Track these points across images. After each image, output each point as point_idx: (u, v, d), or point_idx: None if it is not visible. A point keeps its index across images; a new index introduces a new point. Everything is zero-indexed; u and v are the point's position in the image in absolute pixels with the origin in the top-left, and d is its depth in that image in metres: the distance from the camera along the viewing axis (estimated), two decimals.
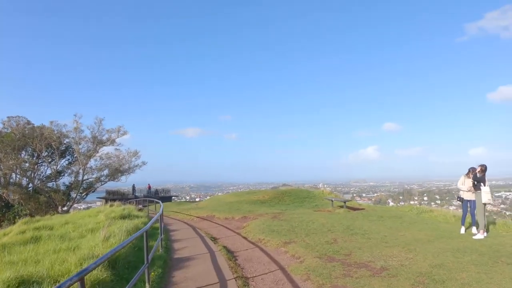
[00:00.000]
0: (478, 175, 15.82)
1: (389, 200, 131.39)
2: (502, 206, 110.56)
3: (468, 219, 17.02)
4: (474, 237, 14.98)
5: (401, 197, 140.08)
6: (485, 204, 15.50)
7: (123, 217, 21.50)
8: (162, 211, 16.97)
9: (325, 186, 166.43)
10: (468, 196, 16.50)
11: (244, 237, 17.75)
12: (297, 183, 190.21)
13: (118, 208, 27.08)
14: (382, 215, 22.43)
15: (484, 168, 15.77)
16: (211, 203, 39.30)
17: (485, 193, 15.45)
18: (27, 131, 51.06)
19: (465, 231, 16.50)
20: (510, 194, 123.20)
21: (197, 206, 38.31)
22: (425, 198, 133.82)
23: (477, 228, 15.91)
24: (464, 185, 16.63)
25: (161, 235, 14.57)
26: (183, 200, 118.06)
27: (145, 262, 8.96)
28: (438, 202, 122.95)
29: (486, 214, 16.60)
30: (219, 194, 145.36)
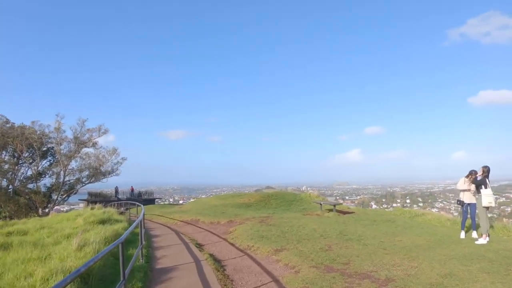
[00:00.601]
0: (478, 178, 15.06)
1: (372, 203, 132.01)
2: None
3: (466, 223, 16.24)
4: (476, 242, 14.15)
5: (384, 200, 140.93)
6: (487, 207, 14.65)
7: (103, 221, 20.33)
8: (144, 216, 15.65)
9: (309, 189, 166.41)
10: (468, 199, 15.71)
11: (232, 244, 16.56)
12: (281, 185, 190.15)
13: (98, 211, 25.98)
14: (375, 219, 21.89)
15: (486, 170, 15.00)
16: (195, 206, 37.89)
17: (486, 196, 14.58)
18: (6, 130, 49.42)
19: (465, 235, 15.75)
20: None
21: (180, 209, 36.83)
22: (408, 201, 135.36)
23: (477, 232, 15.38)
24: (465, 187, 15.76)
25: (141, 242, 13.06)
26: (167, 202, 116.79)
27: (122, 278, 7.69)
28: (421, 204, 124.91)
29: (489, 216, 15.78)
30: (203, 196, 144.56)
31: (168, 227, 24.91)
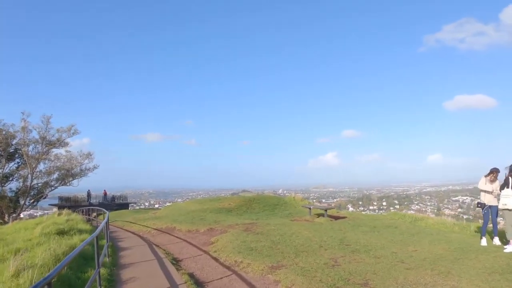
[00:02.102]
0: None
1: (349, 206, 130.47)
2: (459, 210, 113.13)
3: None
4: (505, 250, 12.28)
5: (360, 202, 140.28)
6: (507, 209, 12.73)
7: (62, 232, 17.37)
8: (107, 226, 12.77)
9: (285, 192, 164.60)
10: (489, 200, 13.86)
11: (215, 258, 13.68)
12: (257, 189, 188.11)
13: (62, 218, 23.23)
14: (374, 225, 19.86)
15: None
16: (171, 212, 34.45)
17: (503, 197, 12.83)
18: None
19: (487, 242, 13.86)
20: (466, 198, 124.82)
21: (155, 215, 33.29)
22: (384, 203, 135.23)
23: (500, 239, 13.76)
24: (486, 187, 13.96)
25: (98, 265, 9.75)
26: (142, 207, 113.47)
27: None
28: (397, 207, 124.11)
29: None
30: (179, 200, 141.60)
31: (141, 236, 21.92)
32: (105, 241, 14.51)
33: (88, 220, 28.56)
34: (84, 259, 12.45)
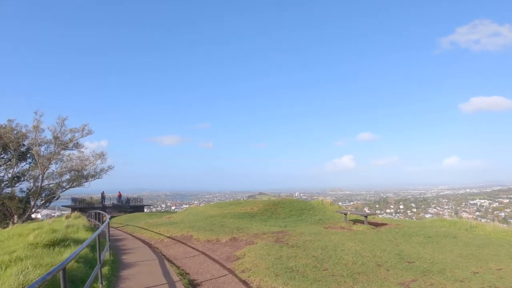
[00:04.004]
0: None
1: (366, 209, 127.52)
2: (477, 213, 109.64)
3: None
4: None
5: (377, 206, 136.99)
6: None
7: (54, 243, 13.94)
8: (107, 231, 9.31)
9: (302, 195, 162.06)
10: None
11: (245, 283, 10.28)
12: (273, 191, 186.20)
13: (61, 224, 20.33)
14: (427, 234, 16.30)
15: None
16: (188, 216, 30.55)
17: None
18: None
19: None
20: (484, 202, 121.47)
21: (169, 220, 29.55)
22: (401, 207, 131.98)
23: None
24: None
25: None
26: (159, 208, 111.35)
27: None
28: (414, 210, 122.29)
29: None
30: (195, 203, 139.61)
31: (151, 246, 18.28)
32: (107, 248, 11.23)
33: (96, 226, 25.28)
34: (72, 284, 9.11)
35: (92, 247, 13.43)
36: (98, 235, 9.14)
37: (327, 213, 26.95)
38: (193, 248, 16.43)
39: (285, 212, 27.79)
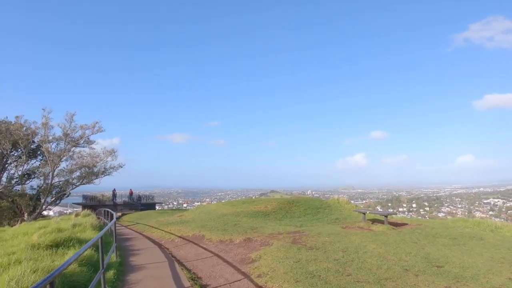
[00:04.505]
0: None
1: (378, 207, 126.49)
2: (490, 212, 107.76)
3: None
4: None
5: (389, 204, 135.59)
6: None
7: (58, 243, 13.05)
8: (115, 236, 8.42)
9: (314, 193, 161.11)
10: None
11: None
12: (285, 190, 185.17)
13: (68, 223, 19.74)
14: (452, 235, 15.47)
15: None
16: (200, 215, 29.65)
17: None
18: None
19: None
20: (498, 201, 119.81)
21: (181, 218, 28.62)
22: (414, 205, 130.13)
23: None
24: None
25: None
26: (170, 206, 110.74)
27: None
28: (427, 209, 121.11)
29: None
30: (207, 200, 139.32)
31: (161, 246, 17.41)
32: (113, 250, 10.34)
33: (104, 224, 24.47)
34: None
35: (98, 247, 12.67)
36: (101, 237, 8.22)
37: (343, 212, 26.10)
38: (205, 249, 15.52)
39: (300, 211, 26.92)
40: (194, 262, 13.18)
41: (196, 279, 10.65)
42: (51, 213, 59.42)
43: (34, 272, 8.29)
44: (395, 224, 19.28)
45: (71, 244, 13.11)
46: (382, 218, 20.51)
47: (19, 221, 34.99)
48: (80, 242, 13.71)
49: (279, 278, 9.61)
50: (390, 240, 14.32)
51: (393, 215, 22.60)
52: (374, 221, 20.55)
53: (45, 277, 4.49)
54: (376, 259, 11.27)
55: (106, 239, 17.45)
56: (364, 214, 20.95)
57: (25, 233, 17.52)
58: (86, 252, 11.08)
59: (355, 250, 12.40)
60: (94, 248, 12.16)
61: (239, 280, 10.19)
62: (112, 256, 12.42)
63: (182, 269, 11.71)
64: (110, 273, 10.28)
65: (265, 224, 20.65)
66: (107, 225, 18.03)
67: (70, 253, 11.28)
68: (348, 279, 9.32)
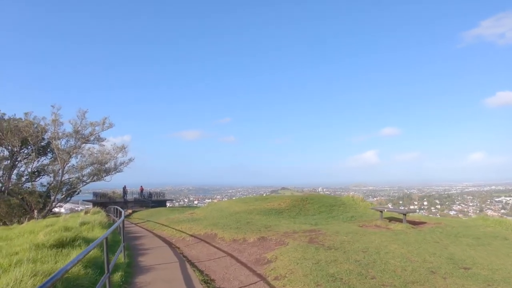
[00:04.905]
0: None
1: (389, 205, 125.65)
2: (502, 211, 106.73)
3: None
4: None
5: (401, 202, 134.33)
6: None
7: (63, 243, 12.31)
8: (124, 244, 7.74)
9: (325, 190, 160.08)
10: None
11: None
12: (296, 187, 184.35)
13: (76, 220, 19.12)
14: (475, 235, 14.77)
15: None
16: (211, 213, 29.00)
17: None
18: None
19: None
20: (510, 199, 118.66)
21: (192, 216, 27.85)
22: (425, 203, 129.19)
23: None
24: None
25: None
26: (181, 203, 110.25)
27: None
28: (438, 207, 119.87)
29: None
30: (218, 197, 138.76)
31: (172, 245, 16.77)
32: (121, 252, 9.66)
33: (114, 222, 23.82)
34: None
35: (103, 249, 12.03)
36: (106, 238, 7.54)
37: (358, 210, 25.29)
38: (218, 248, 14.79)
39: (314, 209, 26.13)
40: (207, 263, 12.51)
41: (209, 281, 9.95)
42: (62, 210, 59.14)
43: (35, 276, 7.63)
44: (414, 223, 18.52)
45: (77, 244, 12.40)
46: (399, 216, 19.84)
47: (26, 219, 34.59)
48: (87, 241, 12.99)
49: (298, 281, 8.90)
50: (411, 240, 13.54)
51: (412, 213, 21.79)
52: (391, 219, 19.78)
53: (42, 283, 3.87)
54: (399, 260, 10.57)
55: (115, 238, 16.85)
56: (381, 212, 20.13)
57: (32, 231, 16.94)
58: (92, 253, 10.42)
59: (376, 251, 11.69)
60: (101, 248, 11.53)
61: (254, 283, 9.49)
62: (120, 257, 11.74)
63: (194, 270, 11.04)
64: (117, 275, 9.59)
65: (279, 222, 19.96)
66: (116, 222, 17.41)
67: (75, 254, 10.60)
68: (372, 282, 8.62)
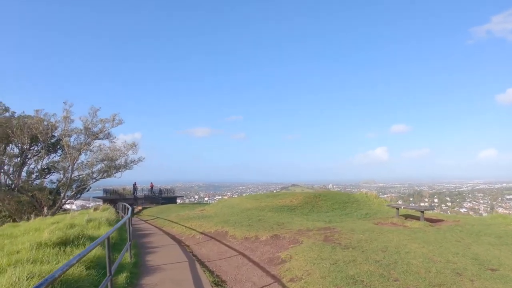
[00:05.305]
0: None
1: (399, 202, 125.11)
2: None
3: None
4: None
5: (411, 199, 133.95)
6: None
7: (66, 241, 11.58)
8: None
9: (335, 187, 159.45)
10: None
11: None
12: (306, 183, 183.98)
13: (82, 218, 18.40)
14: (496, 233, 13.94)
15: None
16: (222, 210, 28.22)
17: None
18: (5, 120, 42.03)
19: None
20: None
21: (202, 213, 27.32)
22: (436, 200, 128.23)
23: None
24: None
25: None
26: (191, 200, 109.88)
27: None
28: (449, 204, 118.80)
29: None
30: (228, 194, 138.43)
31: (181, 244, 16.09)
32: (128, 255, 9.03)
33: (121, 218, 23.32)
34: None
35: (112, 244, 11.39)
36: (108, 238, 6.91)
37: (372, 207, 24.61)
38: (229, 246, 14.11)
39: (327, 206, 25.45)
40: (217, 262, 11.87)
41: (220, 283, 9.29)
42: (74, 207, 58.89)
43: (32, 278, 7.02)
44: (431, 221, 17.78)
45: (81, 242, 11.73)
46: (415, 214, 19.22)
47: (33, 216, 34.28)
48: (91, 239, 12.30)
49: (316, 283, 8.23)
50: (431, 239, 12.84)
51: (430, 211, 21.03)
52: (407, 216, 19.16)
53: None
54: (421, 260, 9.87)
55: (123, 236, 16.27)
56: (398, 209, 19.42)
57: (37, 228, 16.36)
58: (96, 252, 9.80)
59: (396, 250, 10.98)
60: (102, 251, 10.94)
61: (268, 285, 8.83)
62: (126, 256, 11.09)
63: (204, 271, 10.33)
64: (122, 276, 8.93)
65: (292, 220, 19.26)
66: (121, 220, 16.77)
67: (78, 253, 10.02)
68: (396, 285, 7.94)
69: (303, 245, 12.11)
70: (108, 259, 6.61)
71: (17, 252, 10.21)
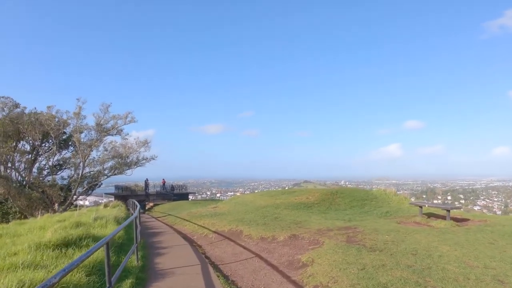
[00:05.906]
0: None
1: (412, 199, 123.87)
2: None
3: None
4: None
5: (424, 196, 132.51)
6: None
7: (69, 242, 10.55)
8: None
9: (347, 183, 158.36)
10: None
11: None
12: (318, 180, 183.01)
13: (89, 216, 17.66)
14: None
15: None
16: (235, 207, 27.36)
17: None
18: (16, 116, 41.51)
19: None
20: None
21: (215, 210, 26.61)
22: (449, 197, 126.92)
23: None
24: None
25: None
26: (204, 196, 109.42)
27: None
28: (463, 201, 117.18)
29: None
30: (241, 190, 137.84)
31: (193, 243, 15.21)
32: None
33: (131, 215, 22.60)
34: None
35: (119, 245, 10.50)
36: (107, 243, 5.98)
37: (392, 205, 23.58)
38: (244, 247, 13.14)
39: (345, 203, 24.49)
40: (232, 265, 10.88)
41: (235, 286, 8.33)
42: (86, 203, 58.55)
43: (22, 287, 6.10)
44: (456, 220, 16.62)
45: (84, 243, 10.77)
46: (440, 212, 18.25)
47: (39, 214, 33.73)
48: (96, 240, 11.29)
49: None
50: (462, 240, 11.68)
51: (456, 210, 19.93)
52: (429, 215, 18.10)
53: None
54: (456, 265, 8.80)
55: (132, 234, 15.34)
56: (421, 207, 18.28)
57: (42, 227, 15.63)
58: (98, 256, 8.82)
59: (427, 253, 9.91)
60: (112, 248, 9.97)
61: None
62: (133, 259, 10.13)
63: (217, 276, 9.30)
64: (127, 283, 7.97)
65: (309, 218, 18.21)
66: (128, 219, 15.76)
67: (78, 255, 9.08)
68: None
69: (325, 246, 11.08)
70: (107, 268, 5.69)
71: (15, 253, 9.32)
